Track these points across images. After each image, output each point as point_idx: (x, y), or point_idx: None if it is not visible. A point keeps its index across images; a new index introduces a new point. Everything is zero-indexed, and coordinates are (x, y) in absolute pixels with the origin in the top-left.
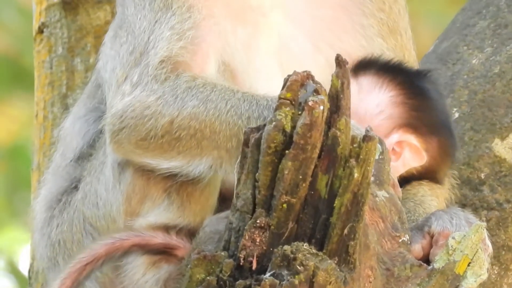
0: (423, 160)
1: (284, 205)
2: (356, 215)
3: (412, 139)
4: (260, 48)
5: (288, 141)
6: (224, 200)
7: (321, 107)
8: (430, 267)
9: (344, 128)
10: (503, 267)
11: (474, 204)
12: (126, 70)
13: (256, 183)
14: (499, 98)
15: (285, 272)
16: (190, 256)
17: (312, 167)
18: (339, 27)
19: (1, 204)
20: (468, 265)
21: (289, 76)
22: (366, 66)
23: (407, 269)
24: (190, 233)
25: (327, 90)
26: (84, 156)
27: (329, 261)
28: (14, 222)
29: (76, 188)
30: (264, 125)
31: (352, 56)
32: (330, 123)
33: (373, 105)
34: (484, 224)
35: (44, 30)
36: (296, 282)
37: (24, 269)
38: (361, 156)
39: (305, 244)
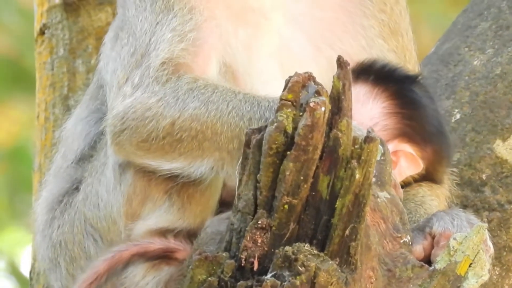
0: (420, 168)
1: (286, 206)
2: (358, 216)
3: (407, 147)
4: (261, 49)
5: (290, 142)
6: (225, 202)
7: (323, 108)
8: (431, 268)
9: (345, 129)
10: (504, 268)
11: (476, 205)
12: (127, 72)
13: (258, 184)
14: (500, 99)
15: (286, 273)
16: (191, 257)
17: (314, 168)
18: (340, 28)
19: (2, 205)
20: (470, 266)
21: (290, 77)
22: (365, 73)
23: (408, 270)
24: (190, 235)
25: (329, 91)
26: (85, 157)
27: (330, 262)
28: (15, 224)
29: (77, 189)
30: (266, 126)
31: (353, 57)
32: (331, 124)
33: (367, 118)
34: (486, 225)
35: (46, 31)
36: (298, 283)
37: (25, 270)
38: (362, 157)
39: (306, 245)
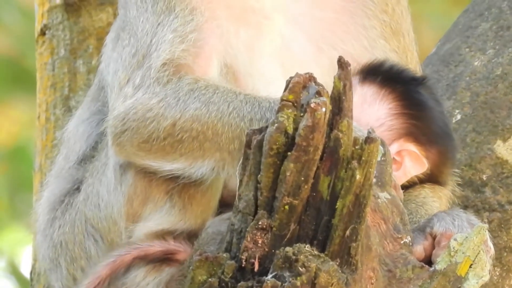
0: (424, 168)
1: (286, 207)
2: (358, 216)
3: (411, 147)
4: (263, 50)
5: (290, 142)
6: (226, 202)
7: (323, 109)
8: (432, 269)
9: (346, 130)
10: (505, 268)
11: (476, 205)
12: (128, 73)
13: (258, 185)
14: (501, 100)
15: (287, 274)
16: (192, 258)
17: (314, 168)
18: (341, 28)
19: (3, 205)
20: (470, 267)
21: (291, 78)
22: (373, 74)
23: (409, 270)
24: (191, 236)
25: (330, 92)
26: (87, 158)
27: (331, 263)
28: (15, 224)
29: (78, 189)
30: (266, 127)
31: (355, 57)
32: (332, 125)
33: (373, 118)
34: (486, 225)
35: (46, 32)
36: (298, 283)
37: (25, 270)
38: (363, 158)
39: (307, 246)
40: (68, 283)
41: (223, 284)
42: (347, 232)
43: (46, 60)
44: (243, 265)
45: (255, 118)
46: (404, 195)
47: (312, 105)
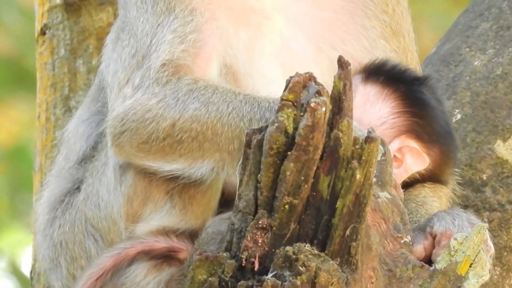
0: (426, 164)
1: (286, 206)
2: (358, 216)
3: (412, 143)
4: (263, 50)
5: (290, 142)
6: (227, 201)
7: (323, 109)
8: (432, 268)
9: (346, 129)
10: (505, 268)
11: (476, 205)
12: (128, 73)
13: (258, 184)
14: (501, 100)
15: (287, 273)
16: (192, 257)
17: (314, 168)
18: (341, 29)
19: (3, 205)
20: (470, 266)
21: (291, 77)
22: (375, 73)
23: (409, 270)
24: (192, 236)
25: (330, 92)
26: (87, 158)
27: (331, 262)
28: (16, 224)
29: (78, 189)
30: (266, 126)
31: (355, 58)
32: (332, 124)
33: (376, 117)
34: (486, 225)
35: (47, 31)
36: (298, 283)
37: (26, 270)
38: (363, 158)
39: (307, 245)
40: (68, 283)
41: (223, 284)
42: (347, 232)
43: (46, 60)
44: (243, 265)
45: (255, 118)
46: (404, 195)
47: (312, 104)
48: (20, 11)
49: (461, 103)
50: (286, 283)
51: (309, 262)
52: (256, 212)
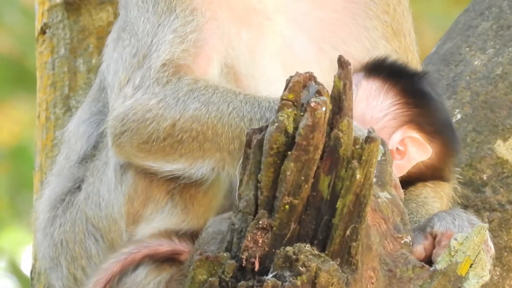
0: (429, 153)
1: (286, 206)
2: (358, 216)
3: (414, 134)
4: (264, 51)
5: (291, 142)
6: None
7: (323, 108)
8: (432, 268)
9: (346, 129)
10: (505, 268)
11: (477, 205)
12: (128, 73)
13: (259, 184)
14: (501, 100)
15: (287, 273)
16: (192, 257)
17: (314, 168)
18: (343, 29)
19: (4, 204)
20: (470, 267)
21: (291, 77)
22: (376, 69)
23: (409, 270)
24: (193, 236)
25: (330, 92)
26: (88, 157)
27: (331, 262)
28: (16, 223)
29: (79, 188)
30: (267, 126)
31: (356, 58)
32: (332, 124)
33: (378, 110)
34: (487, 225)
35: (47, 31)
36: (298, 283)
37: (26, 269)
38: (363, 157)
39: (307, 245)
40: (69, 282)
41: (224, 284)
42: (348, 232)
43: (46, 59)
44: (243, 265)
45: (255, 118)
46: (405, 194)
47: (312, 104)
48: (21, 10)
49: (461, 103)
50: (286, 284)
51: (309, 263)
52: (256, 212)
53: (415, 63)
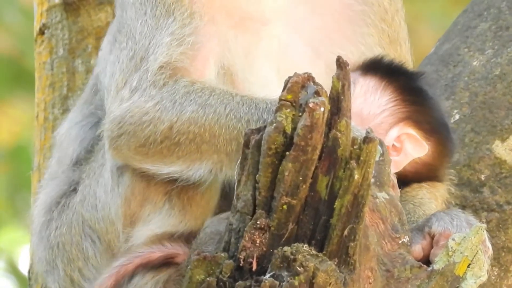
0: (425, 150)
1: (284, 207)
2: (356, 216)
3: (411, 130)
4: (261, 55)
5: (289, 142)
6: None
7: (322, 109)
8: (430, 268)
9: (344, 129)
10: (503, 268)
11: (475, 205)
12: (125, 76)
13: (257, 185)
14: (499, 100)
15: (285, 273)
16: (190, 257)
17: (313, 168)
18: (339, 35)
19: (2, 204)
20: (468, 267)
21: (289, 77)
22: (374, 67)
23: (407, 270)
24: (190, 238)
25: (328, 92)
26: (82, 160)
27: (329, 262)
28: (15, 223)
29: (75, 190)
30: (265, 126)
31: (352, 62)
32: (330, 124)
33: (375, 106)
34: (484, 225)
35: (45, 31)
36: (296, 283)
37: (24, 269)
38: (361, 158)
39: (305, 245)
40: (66, 285)
41: (221, 284)
42: (345, 232)
43: (45, 59)
44: (241, 265)
45: (252, 119)
46: (401, 196)
47: (311, 104)
48: (20, 10)
49: (459, 104)
50: (284, 284)
51: (307, 263)
52: (254, 212)
53: None
